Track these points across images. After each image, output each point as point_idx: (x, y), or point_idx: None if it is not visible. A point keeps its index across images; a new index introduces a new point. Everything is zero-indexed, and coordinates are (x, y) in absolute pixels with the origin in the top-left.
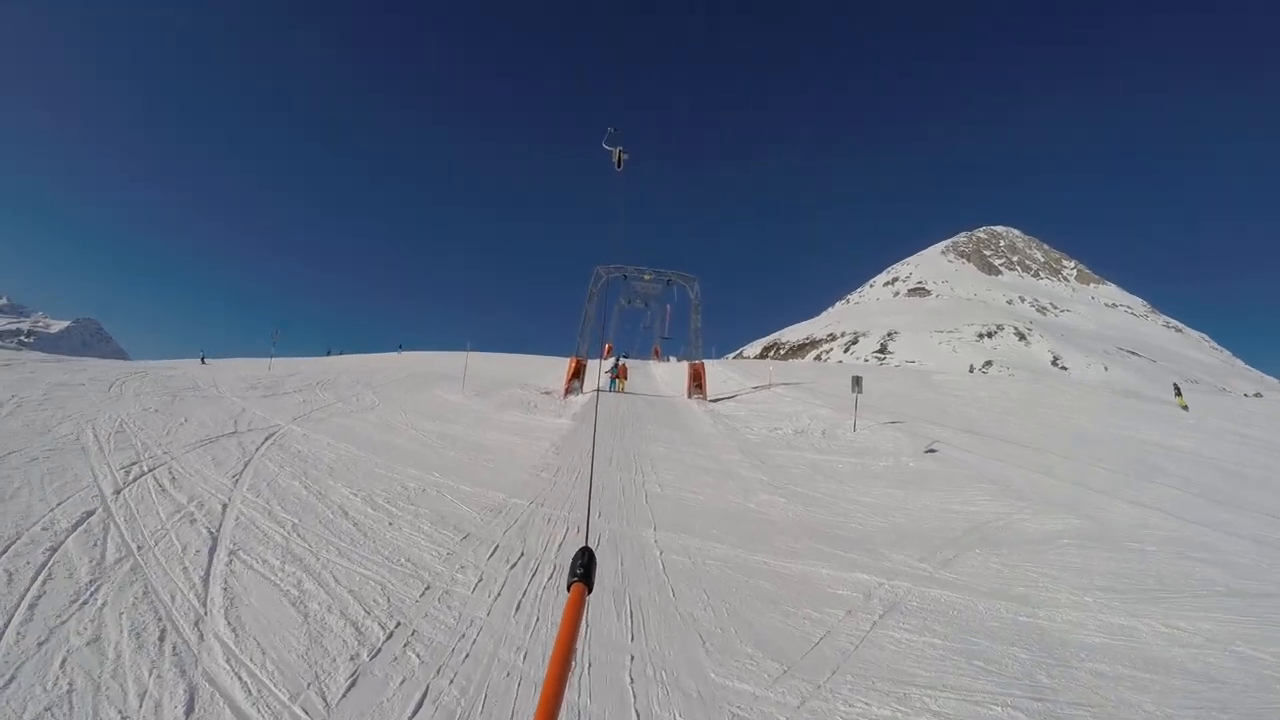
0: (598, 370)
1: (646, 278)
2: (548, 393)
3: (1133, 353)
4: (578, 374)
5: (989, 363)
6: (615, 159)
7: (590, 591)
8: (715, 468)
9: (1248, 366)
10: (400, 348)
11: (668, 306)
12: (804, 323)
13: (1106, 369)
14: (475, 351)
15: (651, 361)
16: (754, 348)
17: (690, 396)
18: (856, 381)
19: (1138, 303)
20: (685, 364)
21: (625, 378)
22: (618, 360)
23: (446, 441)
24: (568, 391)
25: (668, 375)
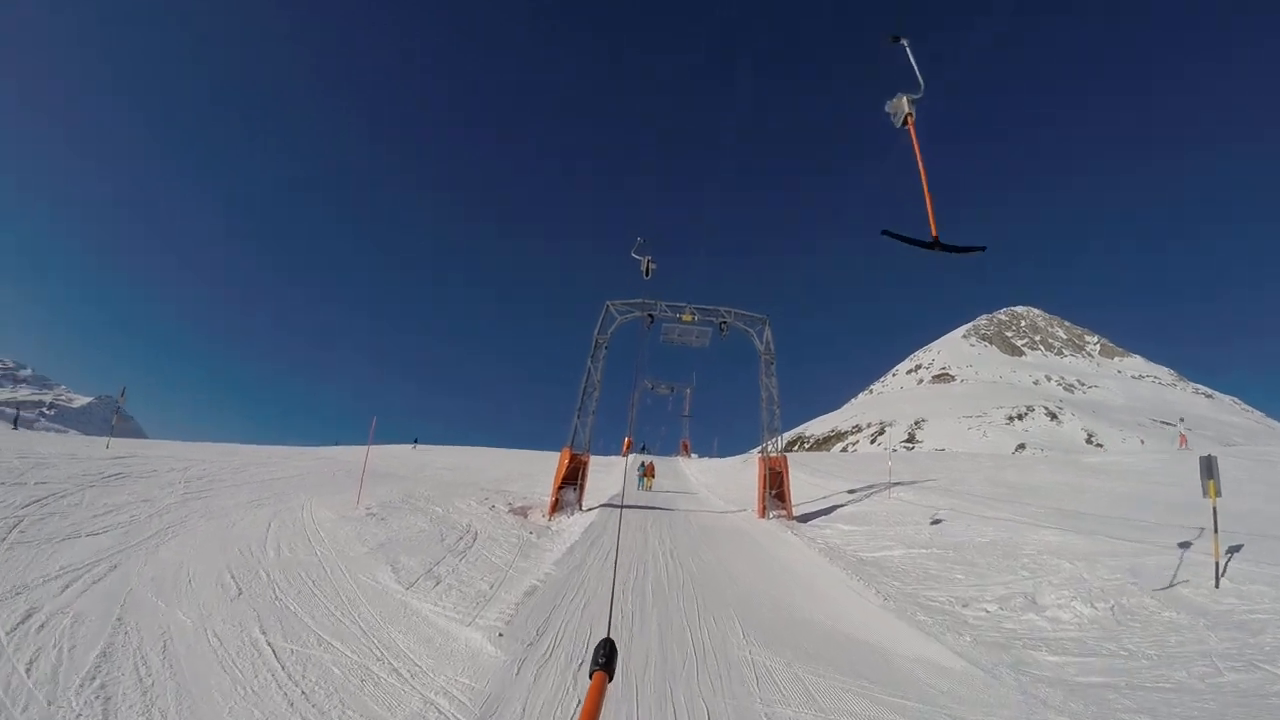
0: (617, 472)
1: (686, 318)
2: (520, 510)
3: (1166, 423)
4: (572, 477)
5: (1022, 445)
6: (644, 268)
7: (611, 680)
8: None
9: None
10: (416, 441)
11: (689, 390)
12: (828, 415)
13: (1143, 442)
14: (483, 448)
15: (679, 458)
16: (777, 443)
17: (766, 514)
18: (1208, 467)
19: (1164, 372)
20: (732, 461)
21: (653, 476)
22: (641, 454)
23: None
24: (555, 507)
25: (702, 476)
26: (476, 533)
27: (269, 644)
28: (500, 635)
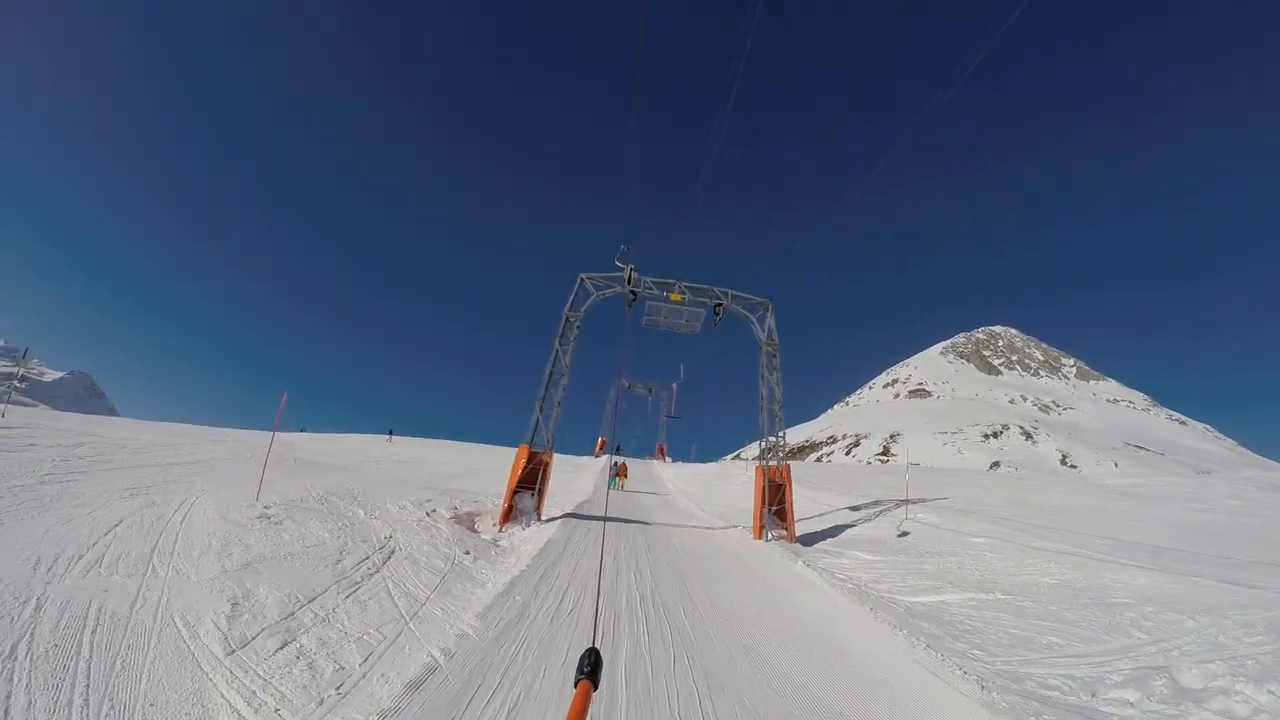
0: (587, 475)
1: (675, 297)
2: (466, 516)
3: (1140, 447)
4: (530, 480)
5: (996, 463)
6: (627, 276)
7: (596, 689)
8: None
9: (1255, 455)
10: (391, 433)
11: (675, 384)
12: (803, 425)
13: (1117, 465)
14: (461, 442)
15: (655, 462)
16: (751, 449)
17: (763, 534)
18: None
19: (1139, 397)
20: (710, 467)
21: (625, 476)
22: (613, 455)
23: None
24: (507, 516)
25: (680, 483)
26: (394, 549)
27: None
28: None
